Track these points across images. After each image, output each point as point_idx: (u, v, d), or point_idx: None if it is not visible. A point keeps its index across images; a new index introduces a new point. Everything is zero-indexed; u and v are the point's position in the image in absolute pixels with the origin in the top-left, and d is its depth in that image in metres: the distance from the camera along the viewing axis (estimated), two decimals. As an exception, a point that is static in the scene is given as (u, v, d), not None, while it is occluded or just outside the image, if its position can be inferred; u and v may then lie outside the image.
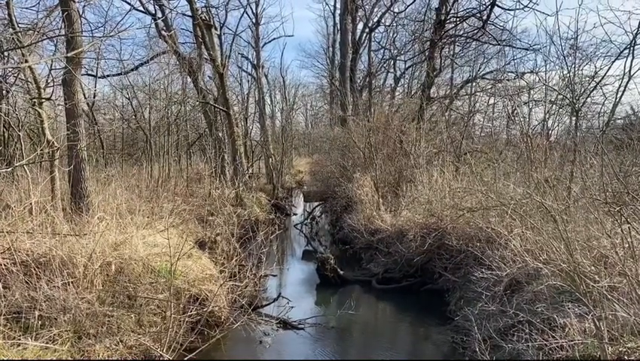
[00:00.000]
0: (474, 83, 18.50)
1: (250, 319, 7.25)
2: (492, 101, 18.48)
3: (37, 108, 9.00)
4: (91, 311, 5.93)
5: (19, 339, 5.20)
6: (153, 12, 18.61)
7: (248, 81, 31.56)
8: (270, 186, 23.25)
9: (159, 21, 18.06)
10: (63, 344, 5.40)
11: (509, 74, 15.86)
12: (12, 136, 11.39)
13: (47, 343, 5.29)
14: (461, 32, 17.96)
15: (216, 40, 19.45)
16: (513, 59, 16.14)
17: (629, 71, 8.32)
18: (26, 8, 10.53)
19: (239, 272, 8.02)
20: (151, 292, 6.89)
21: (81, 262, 6.52)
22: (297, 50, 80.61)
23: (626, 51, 8.40)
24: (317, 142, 33.52)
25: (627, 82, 8.41)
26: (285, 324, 7.87)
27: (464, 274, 8.33)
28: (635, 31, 8.15)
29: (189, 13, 18.30)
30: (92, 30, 12.80)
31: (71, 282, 6.23)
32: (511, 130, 15.84)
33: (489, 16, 15.71)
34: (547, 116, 11.02)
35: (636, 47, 8.30)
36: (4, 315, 5.43)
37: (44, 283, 5.95)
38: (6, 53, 9.87)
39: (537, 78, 12.06)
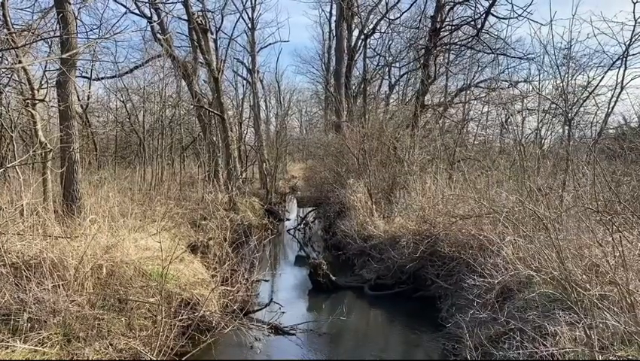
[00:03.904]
0: (468, 91, 18.60)
1: (241, 324, 7.20)
2: (485, 109, 18.61)
3: (30, 109, 8.95)
4: (81, 314, 5.88)
5: (8, 341, 5.15)
6: (149, 15, 18.61)
7: (243, 86, 31.62)
8: (264, 191, 23.22)
9: (154, 24, 18.04)
10: (52, 347, 5.35)
11: (503, 82, 15.97)
12: (4, 137, 11.31)
13: (36, 345, 5.23)
14: (456, 40, 18.07)
15: (212, 44, 19.49)
16: (507, 68, 16.28)
17: (622, 81, 8.44)
18: (21, 9, 10.46)
19: (231, 277, 7.99)
20: (142, 296, 6.84)
21: (72, 264, 6.47)
22: (293, 56, 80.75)
23: (619, 62, 8.53)
24: (311, 148, 33.50)
25: (620, 92, 8.52)
26: (277, 329, 7.84)
27: (457, 281, 8.33)
28: (628, 43, 8.26)
29: (185, 16, 18.32)
30: (87, 32, 12.77)
31: (62, 284, 6.18)
32: (504, 138, 15.95)
33: (483, 25, 15.80)
34: (540, 125, 11.10)
35: (629, 57, 8.42)
36: (-7, 317, 5.39)
37: (34, 285, 5.90)
38: (0, 54, 9.81)
39: (531, 87, 12.19)
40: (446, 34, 17.43)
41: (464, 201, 9.81)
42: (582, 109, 9.89)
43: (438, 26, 16.63)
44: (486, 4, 15.49)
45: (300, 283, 11.23)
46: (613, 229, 5.34)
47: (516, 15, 14.03)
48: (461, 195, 10.05)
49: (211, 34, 19.90)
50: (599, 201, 6.46)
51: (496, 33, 16.45)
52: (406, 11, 21.64)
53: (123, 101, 19.83)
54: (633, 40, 8.31)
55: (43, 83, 10.88)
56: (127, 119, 19.73)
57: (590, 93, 9.24)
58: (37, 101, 9.15)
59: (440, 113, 18.45)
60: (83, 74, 17.89)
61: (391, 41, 24.45)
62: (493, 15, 15.49)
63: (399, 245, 10.14)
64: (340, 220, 14.21)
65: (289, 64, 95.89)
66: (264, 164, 25.20)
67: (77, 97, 14.70)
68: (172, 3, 18.04)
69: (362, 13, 24.51)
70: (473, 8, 16.68)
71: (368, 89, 24.70)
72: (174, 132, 19.92)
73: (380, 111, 22.19)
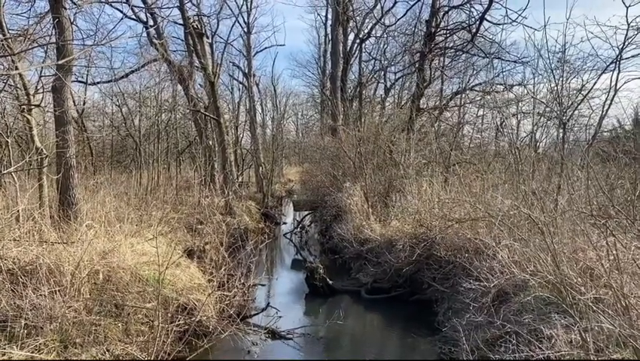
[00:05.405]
0: (464, 95, 18.66)
1: (238, 329, 7.21)
2: (480, 112, 18.69)
3: (26, 115, 8.95)
4: (78, 320, 5.88)
5: (4, 348, 5.14)
6: (145, 20, 18.60)
7: (239, 89, 31.63)
8: (260, 195, 23.22)
9: (150, 29, 18.04)
10: (49, 354, 5.35)
11: (498, 86, 16.03)
12: (0, 143, 11.30)
13: (32, 352, 5.23)
14: (451, 45, 18.15)
15: (207, 48, 19.49)
16: (502, 72, 16.34)
17: (615, 84, 8.47)
18: (17, 14, 10.46)
19: (227, 281, 7.98)
20: (139, 301, 6.85)
21: (69, 270, 6.47)
22: (289, 60, 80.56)
23: (613, 65, 8.55)
24: (307, 151, 33.50)
25: (613, 95, 8.56)
26: (274, 334, 7.84)
27: (453, 284, 8.36)
28: (621, 46, 8.31)
29: (181, 21, 18.33)
30: (83, 38, 12.77)
31: (58, 290, 6.17)
32: (500, 142, 16.01)
33: (478, 30, 15.87)
34: (535, 129, 11.14)
35: (622, 61, 8.47)
36: (-10, 324, 5.38)
37: (30, 291, 5.89)
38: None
39: (526, 91, 12.22)
40: (441, 38, 17.52)
41: (459, 205, 9.84)
42: (576, 112, 9.92)
43: (433, 31, 16.71)
44: (481, 9, 15.59)
45: (297, 287, 11.22)
46: (607, 232, 5.38)
47: (510, 20, 14.11)
48: (456, 199, 10.09)
49: (207, 38, 19.90)
50: (593, 205, 6.51)
51: (491, 37, 16.56)
52: (401, 18, 21.73)
53: (118, 106, 19.83)
54: (626, 43, 8.36)
55: (39, 88, 10.90)
56: (123, 124, 19.71)
57: (584, 96, 9.27)
58: (33, 107, 9.15)
59: (435, 116, 18.51)
60: (79, 79, 17.87)
61: (386, 45, 24.53)
62: (487, 20, 15.58)
63: (395, 249, 10.15)
64: (337, 224, 14.23)
65: (285, 67, 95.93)
66: (260, 167, 25.21)
67: (73, 102, 14.67)
68: (168, 8, 18.04)
69: (357, 18, 24.60)
70: (467, 13, 16.79)
71: (364, 92, 24.77)
72: (170, 136, 19.93)
73: (376, 115, 22.24)
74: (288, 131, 44.55)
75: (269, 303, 9.08)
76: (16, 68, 7.99)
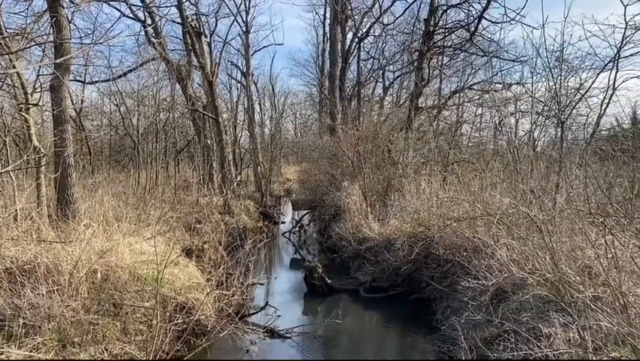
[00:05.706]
0: (462, 94, 18.65)
1: (237, 328, 7.21)
2: (479, 111, 18.67)
3: (24, 114, 8.93)
4: (76, 319, 5.87)
5: (3, 347, 5.13)
6: (143, 19, 18.57)
7: (238, 89, 31.67)
8: (259, 194, 23.21)
9: (148, 28, 18.01)
10: (47, 353, 5.34)
11: (496, 85, 16.02)
12: (-2, 142, 11.26)
13: (30, 351, 5.22)
14: (450, 43, 18.15)
15: (206, 47, 19.49)
16: (501, 71, 16.36)
17: (614, 83, 8.48)
18: (15, 13, 10.43)
19: (226, 281, 7.99)
20: (137, 300, 6.84)
21: (67, 269, 6.46)
22: (287, 59, 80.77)
23: (611, 64, 8.56)
24: (306, 150, 33.58)
25: (612, 94, 8.57)
26: (272, 333, 7.84)
27: (451, 283, 8.36)
28: (619, 45, 8.31)
29: (179, 20, 18.32)
30: (81, 37, 12.75)
31: (56, 290, 6.16)
32: (498, 140, 16.01)
33: (476, 28, 15.87)
34: (534, 127, 11.15)
35: (620, 60, 8.47)
36: (-13, 323, 5.36)
37: (28, 290, 5.88)
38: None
39: (524, 89, 12.23)
40: (439, 37, 17.51)
41: (458, 204, 9.85)
42: (574, 111, 9.92)
43: (432, 30, 16.70)
44: (479, 8, 15.59)
45: (296, 286, 11.23)
46: (605, 230, 5.38)
47: (508, 19, 14.11)
48: (455, 198, 10.09)
49: (206, 37, 19.90)
50: (591, 204, 6.51)
51: (489, 36, 16.55)
52: (400, 16, 21.73)
53: (117, 105, 19.80)
54: (624, 42, 8.37)
55: (36, 87, 10.85)
56: (121, 123, 19.69)
57: (583, 95, 9.27)
58: (30, 106, 9.13)
59: (434, 115, 18.51)
60: (77, 78, 17.84)
61: (384, 44, 24.54)
62: (486, 19, 15.58)
63: (394, 248, 10.16)
64: (335, 223, 14.22)
65: (283, 67, 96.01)
66: (259, 167, 25.19)
67: (71, 101, 14.65)
68: (166, 6, 18.02)
69: (356, 16, 24.59)
70: (466, 11, 16.79)
71: (362, 91, 24.76)
72: (168, 136, 19.90)
73: (374, 114, 22.26)
74: (286, 131, 44.65)
75: (267, 302, 9.07)
76: (14, 67, 7.97)
